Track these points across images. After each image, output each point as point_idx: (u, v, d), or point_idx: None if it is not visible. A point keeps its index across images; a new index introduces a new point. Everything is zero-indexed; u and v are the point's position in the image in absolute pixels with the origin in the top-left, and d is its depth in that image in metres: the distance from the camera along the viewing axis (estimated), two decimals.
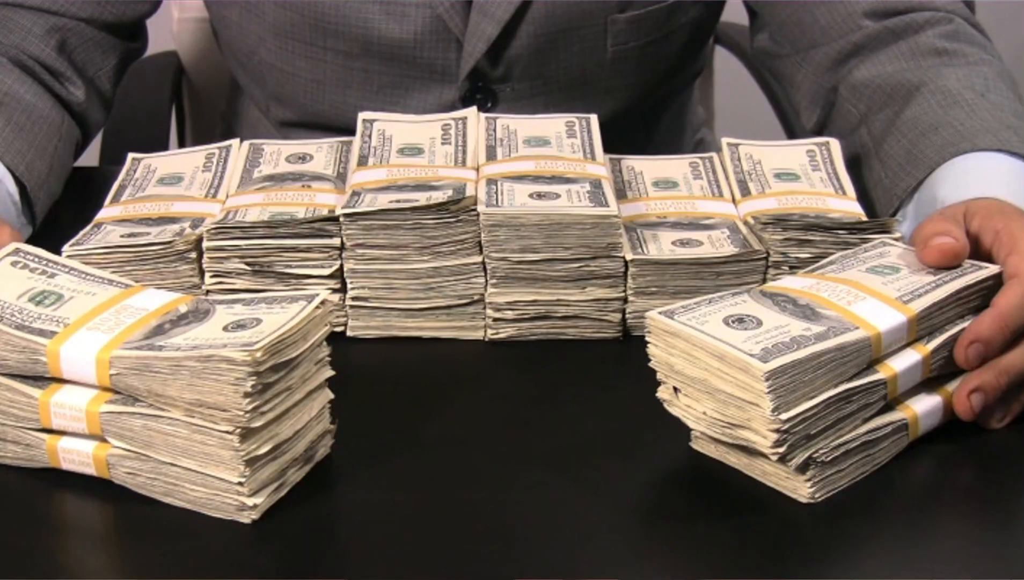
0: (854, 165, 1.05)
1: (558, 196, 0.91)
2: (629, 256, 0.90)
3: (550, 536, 0.74)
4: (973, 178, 0.95)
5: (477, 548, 0.73)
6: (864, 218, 0.93)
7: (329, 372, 0.78)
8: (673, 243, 0.92)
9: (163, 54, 1.54)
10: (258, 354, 0.72)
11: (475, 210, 0.90)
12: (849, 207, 0.95)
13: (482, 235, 0.90)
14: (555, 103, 1.18)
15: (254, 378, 0.72)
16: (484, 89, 1.18)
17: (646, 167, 1.03)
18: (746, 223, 0.95)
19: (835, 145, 1.01)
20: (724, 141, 1.03)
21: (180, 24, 1.54)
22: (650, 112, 1.29)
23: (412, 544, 0.74)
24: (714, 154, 1.04)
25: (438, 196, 0.90)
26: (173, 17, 1.55)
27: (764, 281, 0.91)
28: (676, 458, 0.81)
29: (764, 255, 0.91)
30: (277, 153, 1.00)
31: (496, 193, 0.91)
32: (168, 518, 0.75)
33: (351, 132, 1.01)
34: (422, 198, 0.90)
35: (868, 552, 0.73)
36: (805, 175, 0.98)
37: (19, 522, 0.76)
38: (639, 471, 0.80)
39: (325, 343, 0.78)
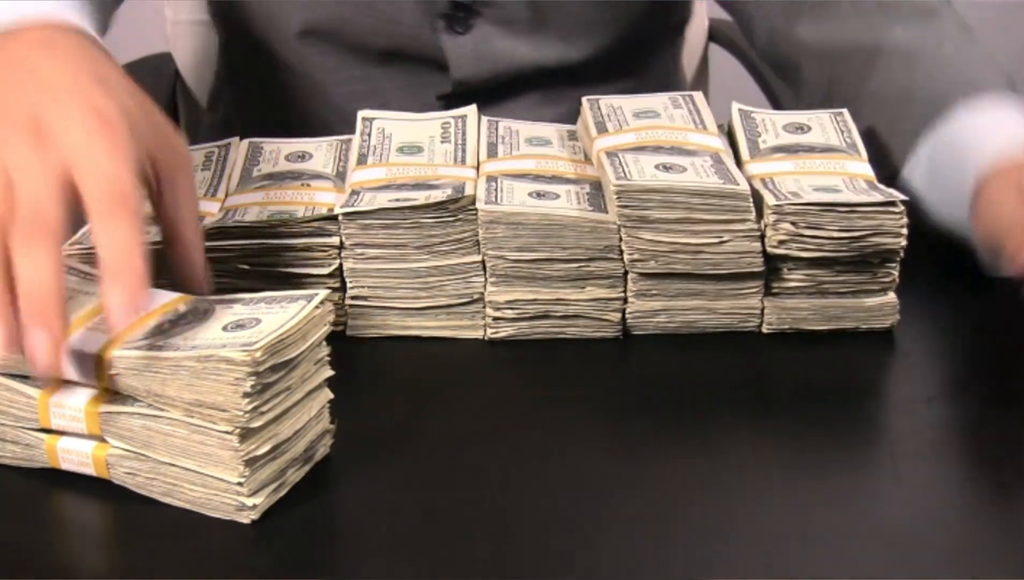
0: None
1: (558, 196, 0.91)
2: (613, 181, 0.89)
3: (550, 535, 0.74)
4: (974, 145, 0.97)
5: (477, 548, 0.73)
6: (875, 180, 0.93)
7: (328, 372, 0.78)
8: (656, 167, 0.92)
9: (157, 56, 1.54)
10: (257, 354, 0.72)
11: (474, 209, 0.89)
12: (862, 169, 0.95)
13: (480, 232, 0.90)
14: (531, 33, 1.19)
15: (253, 378, 0.72)
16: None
17: (624, 102, 1.02)
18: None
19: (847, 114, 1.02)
20: (735, 106, 1.03)
21: (174, 27, 1.54)
22: (632, 58, 1.28)
23: (412, 544, 0.73)
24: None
25: (437, 195, 0.90)
26: (167, 19, 1.55)
27: (767, 287, 0.92)
28: (676, 457, 0.81)
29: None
30: (276, 152, 1.00)
31: (496, 190, 0.91)
32: (168, 518, 0.75)
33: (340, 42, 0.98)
34: (421, 197, 0.90)
35: (868, 550, 0.73)
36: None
37: (19, 522, 0.75)
38: (638, 470, 0.80)
39: (325, 343, 0.78)
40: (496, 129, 1.00)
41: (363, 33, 1.21)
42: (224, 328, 0.75)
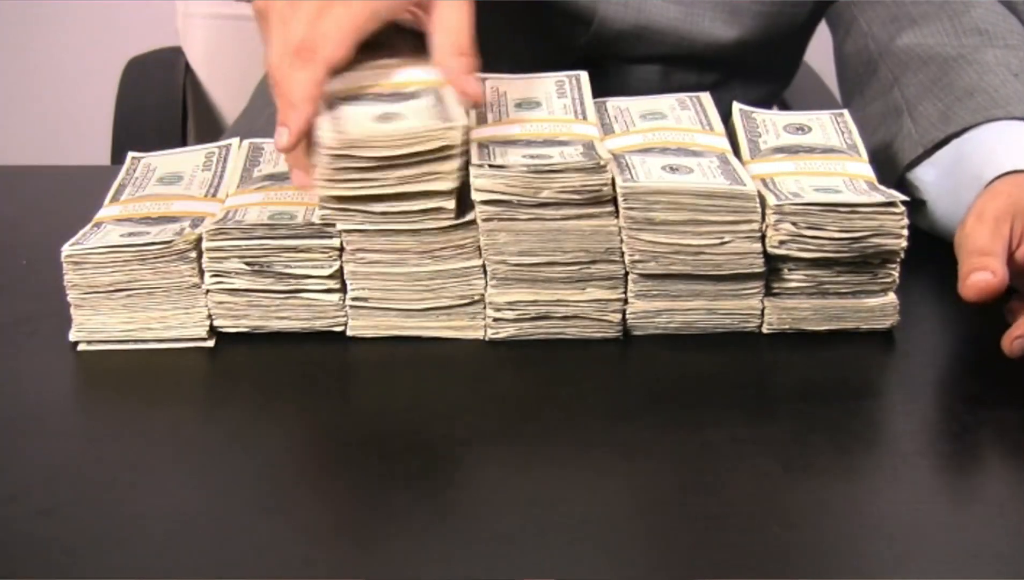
0: (883, 124, 1.08)
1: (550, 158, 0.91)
2: (619, 184, 0.89)
3: (550, 536, 0.74)
4: (1005, 148, 0.99)
5: (477, 548, 0.73)
6: (875, 181, 0.93)
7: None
8: (663, 169, 0.91)
9: (167, 49, 1.55)
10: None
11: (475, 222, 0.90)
12: (863, 170, 0.95)
13: (481, 238, 0.90)
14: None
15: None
16: None
17: (632, 104, 1.02)
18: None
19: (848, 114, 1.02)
20: (736, 106, 1.03)
21: (185, 20, 1.54)
22: (757, 65, 1.30)
23: (412, 544, 0.74)
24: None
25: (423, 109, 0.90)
26: (178, 12, 1.56)
27: (767, 288, 0.91)
28: (676, 457, 0.81)
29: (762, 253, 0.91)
30: (277, 153, 1.00)
31: (488, 156, 0.91)
32: (167, 518, 0.75)
33: None
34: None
35: (868, 550, 0.73)
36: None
37: (24, 520, 0.76)
38: (639, 471, 0.80)
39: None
40: (484, 93, 1.00)
41: None
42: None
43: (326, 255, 0.90)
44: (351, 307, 0.92)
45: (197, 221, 0.93)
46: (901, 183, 1.05)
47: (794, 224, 0.88)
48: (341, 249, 0.90)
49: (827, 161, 0.95)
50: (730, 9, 1.22)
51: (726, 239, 0.89)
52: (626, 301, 0.91)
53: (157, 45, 1.58)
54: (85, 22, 2.36)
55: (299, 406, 0.86)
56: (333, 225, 0.90)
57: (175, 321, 0.91)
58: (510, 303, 0.91)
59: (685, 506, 0.77)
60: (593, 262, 0.90)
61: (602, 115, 0.99)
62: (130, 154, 1.03)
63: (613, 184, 0.88)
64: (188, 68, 1.54)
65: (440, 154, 0.87)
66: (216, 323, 0.91)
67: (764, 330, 0.92)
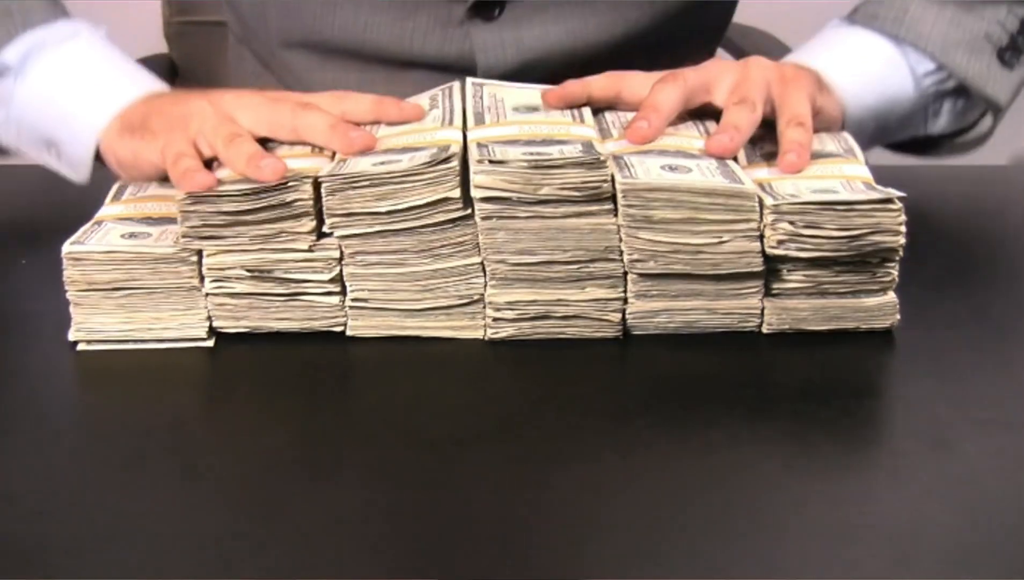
0: None
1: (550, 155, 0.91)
2: (619, 180, 0.89)
3: (550, 536, 0.74)
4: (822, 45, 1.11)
5: (477, 548, 0.73)
6: (872, 182, 0.94)
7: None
8: (662, 168, 0.91)
9: (156, 56, 1.55)
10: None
11: (473, 221, 0.90)
12: (859, 172, 0.95)
13: (480, 237, 0.90)
14: (564, 16, 1.21)
15: None
16: None
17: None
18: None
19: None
20: None
21: (171, 27, 1.54)
22: (665, 54, 1.29)
23: (412, 544, 0.73)
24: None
25: (421, 156, 0.90)
26: (164, 21, 1.56)
27: (766, 289, 0.92)
28: (676, 457, 0.81)
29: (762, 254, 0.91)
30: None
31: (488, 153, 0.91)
32: (166, 518, 0.75)
33: (358, 55, 1.07)
34: (405, 159, 0.90)
35: (868, 550, 0.73)
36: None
37: (22, 519, 0.75)
38: (639, 471, 0.80)
39: None
40: (482, 98, 1.01)
41: (383, 43, 1.20)
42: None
43: (325, 263, 0.90)
44: (351, 308, 0.91)
45: None
46: None
47: (792, 223, 0.88)
48: (341, 254, 0.90)
49: (824, 165, 0.95)
50: (607, 10, 1.21)
51: (725, 238, 0.89)
52: (626, 301, 0.91)
53: (144, 53, 1.58)
54: None
55: (299, 406, 0.86)
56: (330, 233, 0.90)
57: (175, 321, 0.91)
58: (510, 303, 0.91)
59: (685, 506, 0.77)
60: (592, 261, 0.90)
61: (599, 120, 1.00)
62: None
63: (612, 182, 0.88)
64: (175, 76, 1.54)
65: (290, 211, 0.89)
66: (216, 324, 0.91)
67: (764, 330, 0.92)
